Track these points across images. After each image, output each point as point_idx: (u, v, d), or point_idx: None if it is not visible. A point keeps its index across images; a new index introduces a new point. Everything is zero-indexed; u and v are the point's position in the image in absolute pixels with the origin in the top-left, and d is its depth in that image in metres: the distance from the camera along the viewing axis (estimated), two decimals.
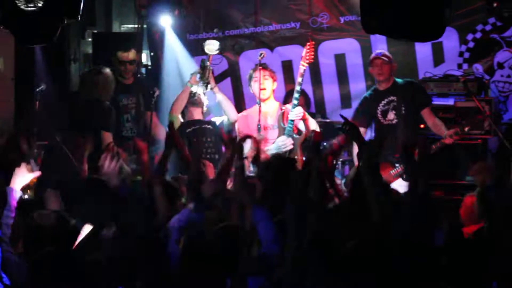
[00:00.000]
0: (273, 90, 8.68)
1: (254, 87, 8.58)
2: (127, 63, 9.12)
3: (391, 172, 8.31)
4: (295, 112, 8.42)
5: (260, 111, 8.42)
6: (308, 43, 8.59)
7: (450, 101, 9.13)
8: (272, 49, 10.23)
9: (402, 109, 8.48)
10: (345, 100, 10.14)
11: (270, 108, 8.65)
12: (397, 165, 8.28)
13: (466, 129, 8.30)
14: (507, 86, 9.78)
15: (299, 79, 8.44)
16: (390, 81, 8.59)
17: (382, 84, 8.58)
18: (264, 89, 8.51)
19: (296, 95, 8.41)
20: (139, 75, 9.75)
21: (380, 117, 8.55)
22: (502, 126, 9.34)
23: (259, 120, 8.40)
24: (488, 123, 8.76)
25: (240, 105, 9.68)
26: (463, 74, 9.56)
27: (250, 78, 8.66)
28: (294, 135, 8.50)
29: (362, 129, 8.57)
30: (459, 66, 9.87)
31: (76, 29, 10.49)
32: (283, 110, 8.57)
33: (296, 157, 8.35)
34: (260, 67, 8.49)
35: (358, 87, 10.09)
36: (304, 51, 8.54)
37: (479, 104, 8.67)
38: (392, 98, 8.53)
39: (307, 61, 8.50)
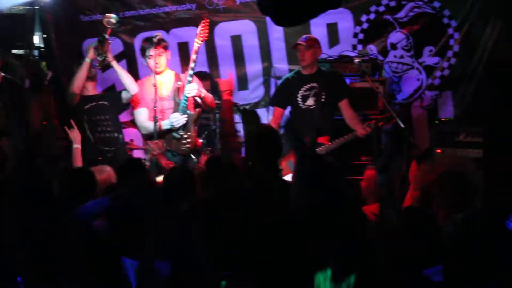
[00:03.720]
0: (167, 60, 8.72)
1: (150, 63, 8.58)
2: None
3: None
4: (189, 89, 8.43)
5: (156, 92, 8.38)
6: (203, 21, 8.55)
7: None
8: (168, 31, 10.13)
9: (322, 97, 8.54)
10: (242, 82, 10.15)
11: (166, 78, 8.69)
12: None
13: (380, 124, 8.39)
14: (400, 66, 9.95)
15: (193, 56, 8.43)
16: (314, 67, 8.65)
17: (307, 69, 8.61)
18: (159, 67, 8.54)
19: (190, 71, 8.41)
20: (31, 57, 9.57)
21: (299, 101, 8.59)
22: (395, 106, 9.51)
23: (155, 101, 8.37)
24: (382, 103, 8.89)
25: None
26: (357, 55, 9.68)
27: (144, 52, 8.64)
28: (188, 112, 8.49)
29: (279, 110, 8.64)
30: (354, 47, 9.98)
31: None
32: (179, 85, 8.54)
33: (189, 133, 8.38)
34: (155, 47, 8.49)
35: (255, 69, 10.12)
36: (199, 29, 8.53)
37: (373, 85, 8.80)
38: (314, 84, 8.58)
39: (201, 38, 8.48)
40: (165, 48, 8.70)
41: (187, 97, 8.47)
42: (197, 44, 8.46)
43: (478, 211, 5.50)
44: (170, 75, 8.76)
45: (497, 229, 4.57)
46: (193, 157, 8.53)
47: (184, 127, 8.51)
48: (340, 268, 4.29)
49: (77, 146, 8.26)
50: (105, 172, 6.82)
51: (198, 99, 8.58)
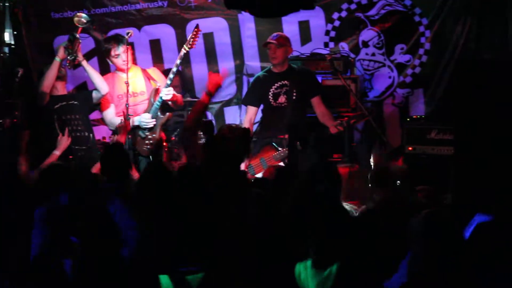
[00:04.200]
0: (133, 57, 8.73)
1: (117, 62, 8.55)
2: None
3: (274, 154, 8.32)
4: (165, 92, 8.40)
5: (127, 90, 8.36)
6: (196, 29, 8.49)
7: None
8: (140, 28, 10.10)
9: (293, 94, 8.55)
10: None
11: (134, 75, 8.66)
12: (280, 148, 8.31)
13: (352, 122, 8.41)
14: (372, 64, 9.99)
15: (177, 61, 8.41)
16: (284, 65, 8.64)
17: (277, 67, 8.61)
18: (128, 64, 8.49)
19: (171, 75, 8.39)
20: (1, 55, 9.48)
21: (271, 99, 8.59)
22: (367, 104, 9.54)
23: (127, 102, 8.36)
24: (354, 101, 8.93)
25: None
26: (329, 52, 9.70)
27: (108, 53, 8.58)
28: (159, 114, 8.48)
29: (253, 109, 8.63)
30: (326, 44, 10.01)
31: None
32: (157, 87, 8.52)
33: (154, 135, 8.47)
34: (128, 46, 8.45)
35: (227, 66, 10.09)
36: (190, 36, 8.46)
37: (345, 82, 8.83)
38: (285, 82, 8.58)
39: (189, 46, 8.42)
40: (130, 45, 8.68)
41: (162, 99, 8.45)
42: (184, 50, 8.42)
43: (449, 207, 5.57)
44: (137, 71, 8.75)
45: (464, 226, 4.62)
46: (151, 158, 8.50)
47: (151, 128, 8.50)
48: (322, 257, 4.35)
49: (56, 153, 8.15)
50: None
51: (170, 102, 8.56)
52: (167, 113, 8.55)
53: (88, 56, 9.66)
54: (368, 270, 4.29)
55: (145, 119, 8.47)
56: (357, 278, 4.23)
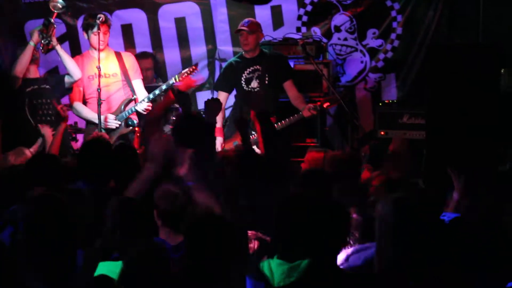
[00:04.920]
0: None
1: (93, 40, 8.60)
2: None
3: None
4: (143, 106, 8.49)
5: (99, 74, 8.41)
6: (194, 66, 8.50)
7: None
8: (111, 13, 10.00)
9: (265, 79, 8.58)
10: (186, 64, 10.07)
11: (107, 56, 8.70)
12: (253, 132, 8.31)
13: (325, 105, 8.41)
14: (344, 49, 10.00)
15: (163, 86, 8.51)
16: (256, 50, 8.66)
17: (249, 52, 8.62)
18: (102, 45, 8.54)
19: (156, 91, 8.49)
20: None
21: (243, 84, 8.60)
22: (339, 89, 9.56)
23: (99, 86, 8.35)
24: (326, 86, 8.94)
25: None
26: (301, 37, 9.70)
27: (88, 27, 8.63)
28: (122, 124, 8.52)
29: (224, 94, 8.64)
30: (298, 29, 10.00)
31: None
32: (134, 98, 8.60)
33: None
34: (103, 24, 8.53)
35: (199, 51, 10.08)
36: (185, 70, 8.45)
37: (317, 67, 8.83)
38: (257, 67, 8.61)
39: (180, 79, 8.35)
40: (109, 27, 8.71)
41: (134, 110, 8.53)
42: (173, 80, 8.39)
43: (421, 191, 5.56)
44: (110, 53, 8.79)
45: (437, 211, 4.55)
46: None
47: (109, 131, 8.50)
48: (291, 249, 4.18)
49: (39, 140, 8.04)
50: (23, 156, 6.72)
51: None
52: (133, 128, 8.54)
53: (59, 41, 9.58)
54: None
55: (110, 120, 8.53)
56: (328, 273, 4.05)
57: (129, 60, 8.82)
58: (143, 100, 8.54)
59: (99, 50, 8.47)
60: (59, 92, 8.65)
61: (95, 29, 8.53)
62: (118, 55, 8.79)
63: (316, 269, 4.02)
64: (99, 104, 8.36)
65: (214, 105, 6.16)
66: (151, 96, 8.50)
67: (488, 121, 7.03)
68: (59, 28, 9.70)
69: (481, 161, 6.85)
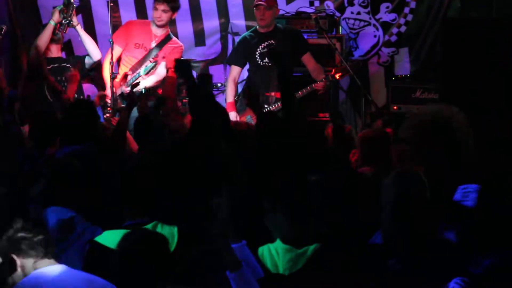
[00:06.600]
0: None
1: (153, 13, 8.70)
2: None
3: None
4: (124, 88, 8.45)
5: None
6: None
7: None
8: None
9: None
10: (199, 38, 10.08)
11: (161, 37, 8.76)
12: (266, 105, 8.29)
13: (337, 75, 8.36)
14: (357, 23, 9.96)
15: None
16: (271, 25, 8.61)
17: (264, 27, 8.59)
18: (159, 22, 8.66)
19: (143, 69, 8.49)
20: None
21: (258, 58, 8.56)
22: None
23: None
24: (339, 60, 8.91)
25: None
26: (314, 11, 9.66)
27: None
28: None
29: (237, 68, 8.63)
30: (311, 3, 9.96)
31: None
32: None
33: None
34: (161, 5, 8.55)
35: (212, 25, 10.05)
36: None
37: (330, 41, 8.81)
38: (271, 42, 8.55)
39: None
40: (172, 9, 8.67)
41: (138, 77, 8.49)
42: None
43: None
44: (165, 35, 8.77)
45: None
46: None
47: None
48: (296, 232, 3.92)
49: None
50: None
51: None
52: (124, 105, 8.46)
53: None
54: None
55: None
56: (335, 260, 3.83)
57: (172, 54, 8.65)
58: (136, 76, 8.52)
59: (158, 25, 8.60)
60: (79, 72, 8.66)
61: (157, 4, 8.56)
62: (168, 41, 8.77)
63: (324, 255, 3.83)
64: (112, 78, 8.38)
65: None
66: (141, 72, 8.50)
67: (503, 96, 7.00)
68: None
69: (494, 137, 6.83)
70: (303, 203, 3.94)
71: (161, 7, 8.55)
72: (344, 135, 5.87)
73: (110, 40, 8.46)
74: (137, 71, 8.53)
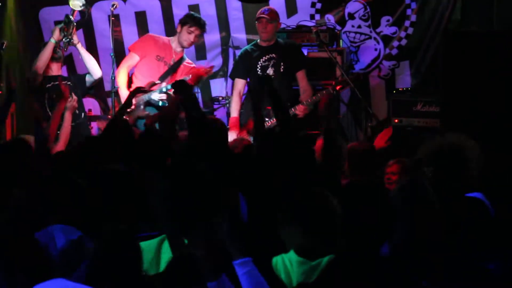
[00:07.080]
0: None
1: (185, 36, 8.71)
2: None
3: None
4: (159, 96, 8.45)
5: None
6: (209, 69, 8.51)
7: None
8: (125, 0, 10.02)
9: (281, 67, 8.60)
10: (200, 52, 10.10)
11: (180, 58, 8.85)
12: (267, 119, 8.32)
13: (338, 87, 8.37)
14: (358, 36, 9.98)
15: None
16: (273, 39, 8.66)
17: (266, 41, 8.63)
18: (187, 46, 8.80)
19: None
20: None
21: (259, 71, 8.61)
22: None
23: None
24: (340, 73, 8.93)
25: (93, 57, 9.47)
26: (315, 25, 9.69)
27: (185, 24, 8.69)
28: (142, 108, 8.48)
29: (242, 81, 8.66)
30: (312, 16, 9.99)
31: None
32: (157, 82, 8.53)
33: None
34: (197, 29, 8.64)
35: (213, 38, 10.06)
36: (196, 70, 8.49)
37: (330, 55, 8.83)
38: (273, 55, 8.62)
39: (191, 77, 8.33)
40: (201, 33, 8.85)
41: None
42: (187, 76, 8.40)
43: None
44: (182, 57, 8.86)
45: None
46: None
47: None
48: (310, 244, 3.89)
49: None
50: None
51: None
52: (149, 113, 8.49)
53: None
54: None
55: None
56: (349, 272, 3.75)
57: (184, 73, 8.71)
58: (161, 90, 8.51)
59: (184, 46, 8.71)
60: (80, 90, 8.65)
61: (197, 31, 8.63)
62: (184, 61, 8.85)
63: (339, 267, 3.78)
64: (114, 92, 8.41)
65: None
66: (163, 89, 8.50)
67: (504, 109, 7.01)
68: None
69: (496, 149, 6.84)
70: (316, 216, 3.89)
71: (197, 32, 8.65)
72: (332, 149, 5.88)
73: (112, 54, 8.49)
74: (162, 84, 8.54)
